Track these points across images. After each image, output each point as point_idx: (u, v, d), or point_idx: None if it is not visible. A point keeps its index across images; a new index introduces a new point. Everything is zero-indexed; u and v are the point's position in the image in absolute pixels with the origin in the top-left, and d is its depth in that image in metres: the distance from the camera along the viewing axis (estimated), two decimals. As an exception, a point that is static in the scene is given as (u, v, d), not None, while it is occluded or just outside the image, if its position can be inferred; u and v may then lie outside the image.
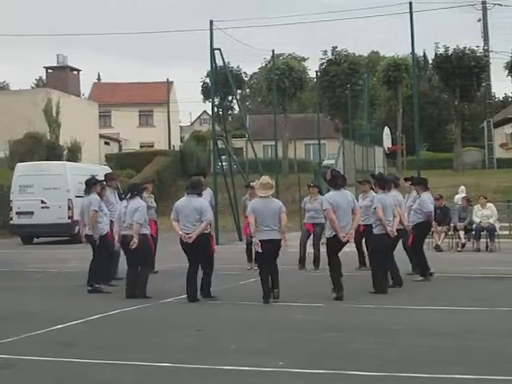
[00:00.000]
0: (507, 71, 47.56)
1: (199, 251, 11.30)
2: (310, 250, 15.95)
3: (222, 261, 16.81)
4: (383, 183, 12.59)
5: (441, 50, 45.79)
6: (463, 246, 20.69)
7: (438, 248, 20.12)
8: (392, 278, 12.50)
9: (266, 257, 11.04)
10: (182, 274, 11.81)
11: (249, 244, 15.75)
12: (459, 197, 24.02)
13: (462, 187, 25.49)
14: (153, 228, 15.00)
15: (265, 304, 10.85)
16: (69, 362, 7.38)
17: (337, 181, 11.50)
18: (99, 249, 12.57)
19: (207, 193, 14.46)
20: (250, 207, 11.25)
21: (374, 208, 12.25)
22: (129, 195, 11.95)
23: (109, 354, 7.67)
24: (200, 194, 11.46)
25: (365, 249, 15.14)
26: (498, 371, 6.72)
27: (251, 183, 16.21)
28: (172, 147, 58.54)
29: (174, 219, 11.44)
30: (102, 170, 24.04)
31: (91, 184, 12.87)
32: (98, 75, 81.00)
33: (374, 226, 12.33)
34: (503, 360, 7.21)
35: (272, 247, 10.98)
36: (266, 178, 11.25)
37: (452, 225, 20.84)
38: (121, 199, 15.40)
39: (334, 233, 11.25)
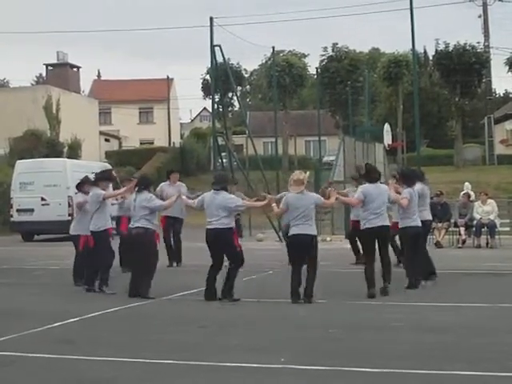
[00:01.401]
0: (508, 67, 47.58)
1: (223, 246, 11.10)
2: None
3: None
4: (407, 179, 12.66)
5: (441, 47, 45.85)
6: (463, 242, 20.68)
7: (438, 244, 20.10)
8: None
9: (299, 253, 10.91)
10: (183, 271, 11.79)
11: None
12: (463, 193, 23.97)
13: (467, 184, 25.44)
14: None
15: (292, 303, 10.62)
16: (68, 359, 7.35)
17: (371, 174, 11.76)
18: (100, 245, 12.37)
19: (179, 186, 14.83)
20: (286, 200, 11.10)
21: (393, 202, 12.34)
22: (137, 189, 11.76)
23: (109, 351, 7.65)
24: (225, 189, 11.33)
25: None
26: (500, 368, 6.70)
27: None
28: (172, 144, 58.55)
29: (196, 206, 11.54)
30: (102, 167, 24.02)
31: (96, 179, 12.73)
32: (98, 72, 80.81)
33: (400, 219, 12.38)
34: (505, 356, 7.18)
35: (305, 242, 10.88)
36: (297, 174, 11.23)
37: (452, 221, 20.83)
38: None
39: (366, 225, 11.43)
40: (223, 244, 11.05)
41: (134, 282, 11.50)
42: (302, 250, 10.87)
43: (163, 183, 16.23)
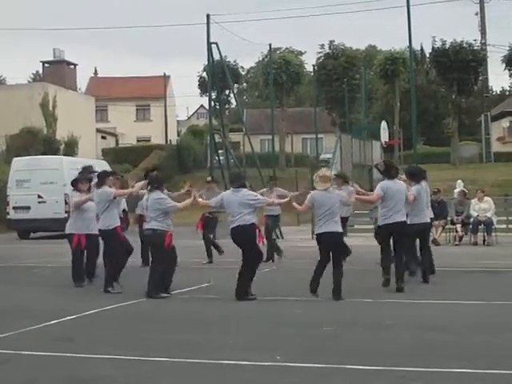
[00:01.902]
0: (504, 65, 47.56)
1: (245, 242, 11.01)
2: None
3: (218, 255, 16.84)
4: (415, 176, 12.86)
5: (438, 44, 45.80)
6: (460, 239, 20.69)
7: (435, 242, 20.11)
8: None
9: (326, 249, 10.92)
10: (180, 269, 11.78)
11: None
12: (457, 191, 23.99)
13: (459, 181, 25.49)
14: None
15: (311, 296, 10.72)
16: (66, 356, 7.35)
17: (391, 171, 11.91)
18: (110, 244, 12.19)
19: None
20: (312, 197, 11.06)
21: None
22: (149, 188, 11.53)
23: (106, 349, 7.64)
24: (243, 186, 11.24)
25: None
26: (496, 365, 6.71)
27: (208, 178, 16.38)
28: (169, 141, 58.51)
29: (215, 206, 11.55)
30: (98, 165, 24.01)
31: (103, 177, 12.61)
32: (95, 69, 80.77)
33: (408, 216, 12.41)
34: (501, 354, 7.19)
35: (332, 240, 10.90)
36: (323, 171, 11.27)
37: (449, 218, 20.84)
38: None
39: (384, 221, 11.61)
40: (245, 240, 10.97)
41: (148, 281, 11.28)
42: (329, 248, 10.91)
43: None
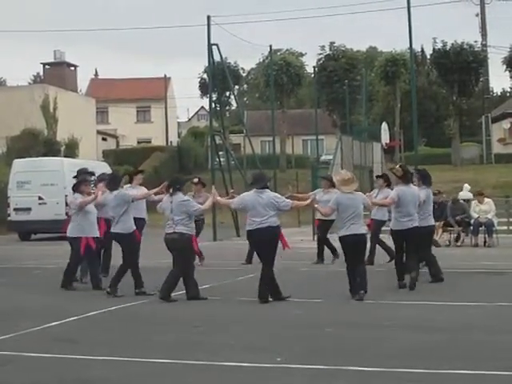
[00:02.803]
0: (505, 66, 47.59)
1: (268, 244, 10.81)
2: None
3: (219, 256, 16.86)
4: (427, 179, 12.94)
5: (439, 45, 45.87)
6: (457, 239, 20.61)
7: (435, 243, 20.07)
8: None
9: (352, 252, 10.93)
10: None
11: None
12: (464, 194, 23.90)
13: (466, 185, 25.38)
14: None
15: (356, 300, 10.65)
16: (67, 358, 7.35)
17: (407, 176, 12.03)
18: (130, 248, 11.95)
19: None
20: (337, 200, 11.02)
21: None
22: (171, 190, 11.21)
23: (106, 351, 7.64)
24: (267, 187, 11.12)
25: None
26: (497, 366, 6.70)
27: (194, 180, 15.95)
28: (170, 143, 58.51)
29: (236, 207, 11.49)
30: (99, 166, 24.04)
31: (118, 180, 12.50)
32: (96, 71, 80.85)
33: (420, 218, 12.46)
34: (503, 355, 7.19)
35: (359, 242, 10.92)
36: (347, 173, 11.30)
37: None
38: None
39: (397, 226, 11.78)
40: (269, 242, 10.80)
41: (165, 283, 11.11)
42: (356, 250, 10.92)
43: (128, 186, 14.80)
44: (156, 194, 12.79)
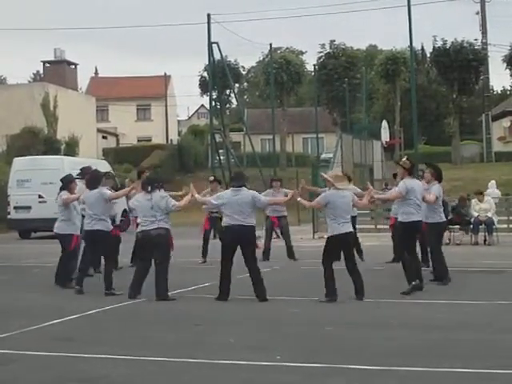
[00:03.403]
0: (505, 64, 47.58)
1: (246, 244, 10.92)
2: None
3: (219, 254, 16.83)
4: (439, 175, 12.78)
5: (439, 44, 45.90)
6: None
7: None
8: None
9: (339, 250, 10.80)
10: (178, 269, 11.77)
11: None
12: (491, 191, 23.83)
13: (493, 182, 25.25)
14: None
15: (328, 302, 10.49)
16: (67, 356, 7.35)
17: (413, 168, 11.88)
18: (107, 247, 12.15)
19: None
20: (327, 197, 10.93)
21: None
22: (149, 188, 11.33)
23: (107, 349, 7.65)
24: (245, 186, 11.13)
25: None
26: (497, 365, 6.70)
27: (210, 178, 16.32)
28: (170, 141, 58.53)
29: (215, 205, 11.42)
30: (99, 165, 24.01)
31: (98, 179, 12.59)
32: (96, 69, 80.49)
33: (430, 215, 12.37)
34: (502, 353, 7.19)
35: (348, 240, 10.86)
36: (336, 171, 11.23)
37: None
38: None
39: (412, 218, 11.39)
40: (246, 242, 10.91)
41: (158, 282, 11.15)
42: (342, 249, 10.82)
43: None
44: (130, 192, 12.74)
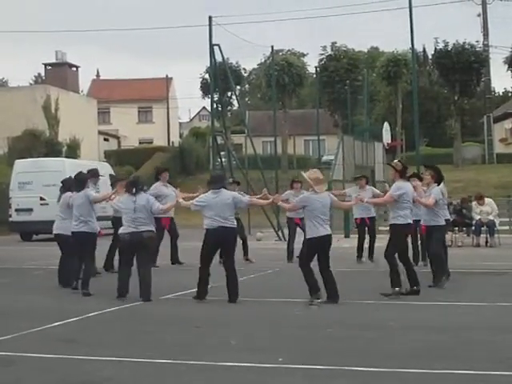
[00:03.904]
0: (507, 66, 47.58)
1: (228, 245, 11.04)
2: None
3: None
4: (440, 177, 12.64)
5: (440, 45, 45.92)
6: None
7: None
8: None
9: (316, 252, 10.73)
10: (179, 271, 11.76)
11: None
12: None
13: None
14: None
15: (310, 305, 10.46)
16: (69, 358, 7.35)
17: (406, 171, 11.67)
18: (90, 248, 12.33)
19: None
20: (304, 199, 10.94)
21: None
22: (133, 190, 11.43)
23: (108, 351, 7.65)
24: (224, 188, 11.22)
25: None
26: (497, 366, 6.70)
27: (230, 180, 16.37)
28: (171, 143, 58.59)
29: (195, 208, 11.36)
30: (101, 167, 24.01)
31: (84, 181, 12.70)
32: (97, 72, 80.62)
33: (430, 217, 12.30)
34: (503, 355, 7.18)
35: (327, 242, 10.79)
36: (316, 172, 11.05)
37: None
38: None
39: (408, 220, 11.30)
40: (228, 244, 10.99)
41: (145, 284, 11.25)
42: (321, 251, 10.79)
43: (157, 183, 15.94)
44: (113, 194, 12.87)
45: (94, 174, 14.00)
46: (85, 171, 13.67)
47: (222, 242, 10.99)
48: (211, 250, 11.08)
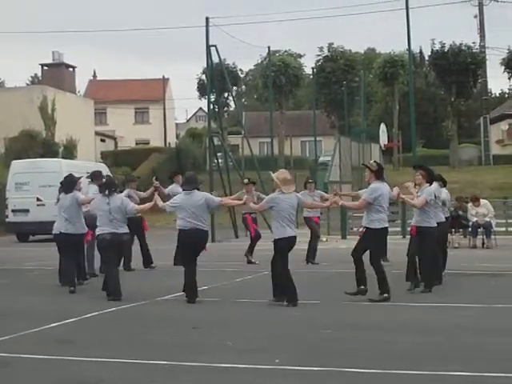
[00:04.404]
0: (503, 67, 47.64)
1: (198, 246, 11.15)
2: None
3: (218, 258, 16.85)
4: (433, 176, 12.25)
5: (437, 47, 46.01)
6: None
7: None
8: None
9: (286, 255, 10.74)
10: (177, 272, 11.76)
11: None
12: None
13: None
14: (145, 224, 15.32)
15: (275, 301, 10.57)
16: (66, 359, 7.35)
17: (382, 172, 11.33)
18: (78, 248, 12.60)
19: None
20: (272, 199, 10.87)
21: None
22: (107, 192, 11.59)
23: (106, 352, 7.65)
24: (197, 189, 11.29)
25: None
26: (494, 368, 6.71)
27: (245, 180, 16.39)
28: (168, 144, 58.54)
29: (169, 210, 11.51)
30: (97, 168, 23.99)
31: (73, 182, 12.79)
32: (94, 72, 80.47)
33: (423, 219, 11.90)
34: (500, 356, 7.19)
35: (292, 244, 10.79)
36: (285, 172, 11.05)
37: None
38: None
39: (385, 224, 11.03)
40: (197, 246, 11.12)
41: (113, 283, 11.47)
42: (289, 252, 10.80)
43: (173, 185, 16.25)
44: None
45: (97, 177, 14.14)
46: (85, 174, 13.78)
47: (193, 243, 11.10)
48: (187, 250, 11.21)
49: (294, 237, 10.73)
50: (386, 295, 10.81)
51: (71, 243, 12.41)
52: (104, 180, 13.07)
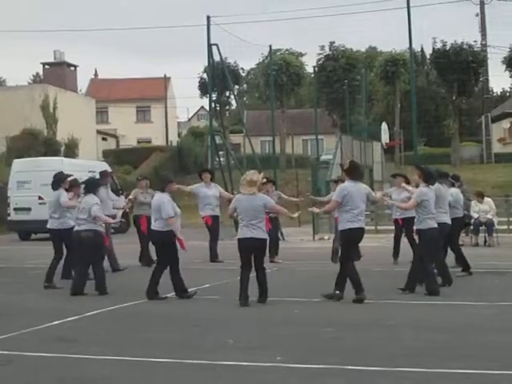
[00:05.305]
0: (505, 66, 47.55)
1: (162, 246, 11.36)
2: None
3: (219, 256, 16.84)
4: (428, 177, 11.71)
5: (438, 45, 45.87)
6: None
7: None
8: (442, 277, 12.13)
9: (247, 255, 10.67)
10: (182, 270, 11.75)
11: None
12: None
13: None
14: (145, 224, 15.27)
15: (241, 306, 10.38)
16: (67, 357, 7.35)
17: (354, 172, 10.97)
18: (68, 243, 12.72)
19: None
20: (236, 200, 10.91)
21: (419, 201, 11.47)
22: (84, 191, 12.02)
23: (107, 350, 7.65)
24: (162, 190, 11.43)
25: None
26: (497, 365, 6.70)
27: (263, 180, 16.25)
28: (169, 143, 58.58)
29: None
30: (99, 166, 24.02)
31: (62, 179, 13.06)
32: (95, 71, 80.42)
33: (419, 220, 11.51)
34: (503, 354, 7.19)
35: (253, 245, 10.65)
36: (250, 174, 11.01)
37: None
38: (117, 195, 15.70)
39: (354, 224, 10.75)
40: (163, 245, 11.30)
41: (78, 280, 11.77)
42: (250, 254, 10.69)
43: (198, 184, 16.90)
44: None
45: (105, 175, 14.44)
46: (83, 174, 13.91)
47: (159, 244, 11.38)
48: (161, 250, 11.42)
49: (253, 238, 10.57)
50: (337, 292, 10.68)
51: (58, 238, 12.89)
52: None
